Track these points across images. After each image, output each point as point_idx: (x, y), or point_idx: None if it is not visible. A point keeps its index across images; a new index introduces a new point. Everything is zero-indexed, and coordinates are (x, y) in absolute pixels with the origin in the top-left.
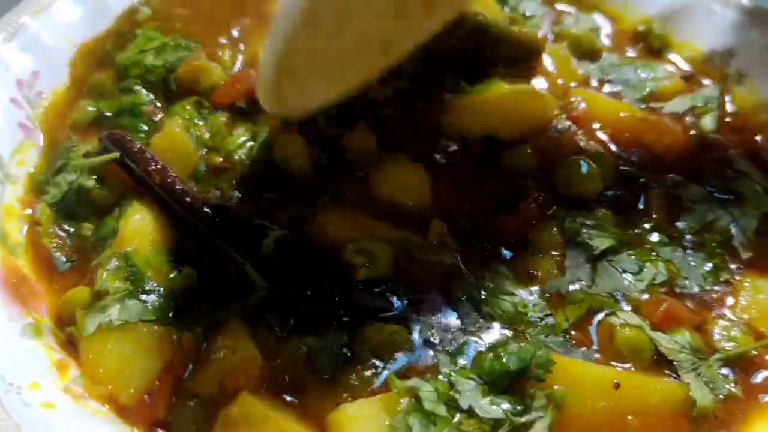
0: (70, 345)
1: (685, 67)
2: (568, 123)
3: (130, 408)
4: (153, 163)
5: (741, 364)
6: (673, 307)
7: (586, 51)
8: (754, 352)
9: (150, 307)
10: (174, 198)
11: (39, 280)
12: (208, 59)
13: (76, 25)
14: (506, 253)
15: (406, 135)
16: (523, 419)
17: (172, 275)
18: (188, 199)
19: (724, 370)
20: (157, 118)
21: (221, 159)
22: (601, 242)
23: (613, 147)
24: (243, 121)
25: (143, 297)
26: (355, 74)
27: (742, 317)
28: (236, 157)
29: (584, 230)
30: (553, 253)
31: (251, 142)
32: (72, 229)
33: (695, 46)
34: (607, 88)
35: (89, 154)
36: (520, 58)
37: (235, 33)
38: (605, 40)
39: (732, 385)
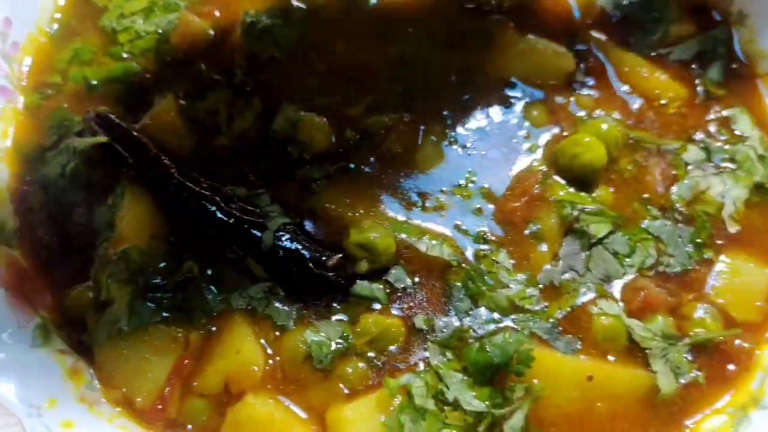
0: (81, 344)
1: None
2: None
3: (144, 410)
4: (146, 151)
5: (708, 351)
6: (650, 297)
7: None
8: (720, 339)
9: (157, 306)
10: (170, 191)
11: (39, 274)
12: (197, 18)
13: None
14: (506, 239)
15: None
16: (502, 411)
17: (174, 269)
18: (185, 194)
19: (691, 356)
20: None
21: (228, 143)
22: (598, 229)
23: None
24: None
25: (150, 295)
26: None
27: (717, 301)
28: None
29: (583, 217)
30: (551, 241)
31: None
32: (66, 217)
33: None
34: (620, 28)
35: (83, 133)
36: None
37: None
38: None
39: (696, 371)
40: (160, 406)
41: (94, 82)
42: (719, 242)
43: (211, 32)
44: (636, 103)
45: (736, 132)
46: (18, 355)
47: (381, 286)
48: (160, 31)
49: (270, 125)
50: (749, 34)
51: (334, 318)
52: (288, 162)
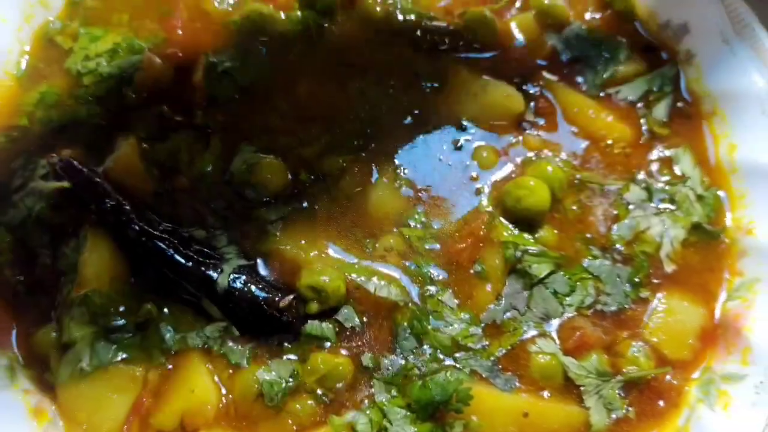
0: (46, 385)
1: (647, 37)
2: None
3: None
4: (107, 200)
5: (640, 387)
6: (584, 336)
7: (555, 21)
8: (652, 376)
9: (117, 346)
10: (129, 237)
11: (5, 313)
12: (159, 60)
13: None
14: (452, 279)
15: None
16: None
17: (134, 310)
18: (143, 239)
19: (624, 392)
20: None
21: (188, 184)
22: (540, 270)
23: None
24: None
25: (111, 336)
26: None
27: (650, 339)
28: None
29: (526, 258)
30: (495, 281)
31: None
32: (32, 259)
33: (655, 15)
34: (570, 68)
35: (47, 177)
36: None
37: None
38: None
39: (627, 407)
40: None
41: (59, 125)
42: (656, 281)
43: (172, 73)
44: (583, 144)
45: (677, 172)
46: None
47: (331, 326)
48: (123, 73)
49: (229, 166)
50: (695, 73)
51: (285, 357)
52: (245, 203)
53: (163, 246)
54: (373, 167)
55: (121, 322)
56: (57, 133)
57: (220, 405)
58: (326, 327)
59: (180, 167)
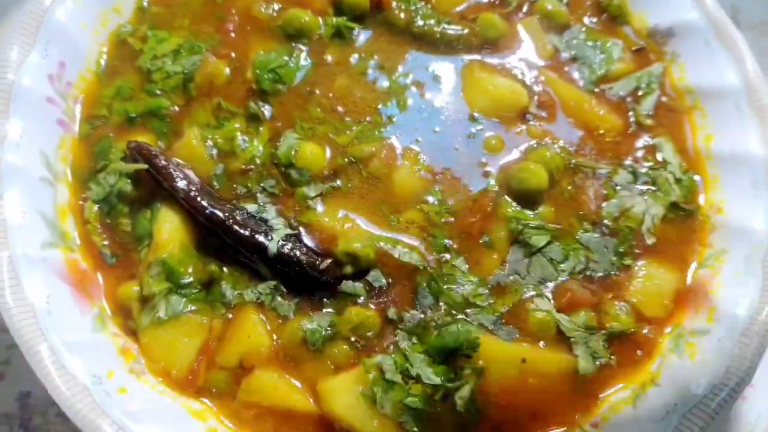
0: (129, 330)
1: (637, 40)
2: (536, 111)
3: (179, 379)
4: (177, 178)
5: (621, 339)
6: (575, 296)
7: (556, 24)
8: (631, 330)
9: (187, 299)
10: (196, 208)
11: (95, 272)
12: (216, 59)
13: (88, 8)
14: (463, 248)
15: None
16: (454, 384)
17: (200, 270)
18: (208, 211)
19: (607, 344)
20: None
21: (243, 166)
22: (539, 241)
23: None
24: (256, 124)
25: (182, 291)
26: None
27: (631, 300)
28: (257, 161)
29: (527, 231)
30: (500, 249)
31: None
32: (113, 226)
33: (645, 19)
34: (569, 66)
35: (126, 159)
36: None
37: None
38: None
39: (610, 356)
40: (190, 377)
41: (133, 115)
42: (637, 251)
43: (228, 71)
44: (578, 133)
45: (660, 158)
46: (82, 337)
47: (362, 285)
48: (186, 71)
49: (276, 151)
50: (679, 72)
51: (324, 310)
52: (290, 182)
53: (223, 217)
54: (398, 153)
55: (189, 280)
56: (131, 122)
57: (272, 349)
58: (358, 286)
59: (235, 151)
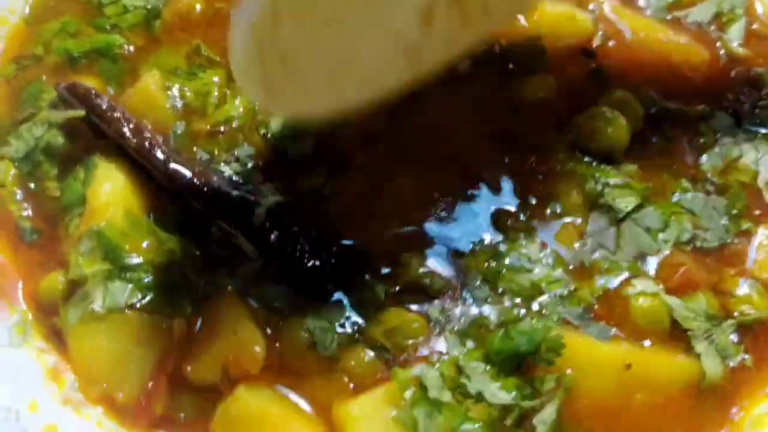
0: (55, 336)
1: None
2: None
3: (127, 406)
4: (125, 123)
5: (755, 331)
6: (690, 272)
7: None
8: None
9: (134, 287)
10: (153, 164)
11: (7, 259)
12: None
13: None
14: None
15: None
16: (531, 403)
17: (155, 248)
18: (170, 166)
19: (737, 337)
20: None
21: (208, 127)
22: (626, 203)
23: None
24: None
25: (126, 275)
26: (367, 80)
27: (761, 276)
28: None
29: (607, 190)
30: (575, 217)
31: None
32: (37, 191)
33: None
34: None
35: (58, 105)
36: None
37: None
38: None
39: (743, 354)
40: (143, 402)
41: (76, 55)
42: (757, 212)
43: (203, 8)
44: (655, 69)
45: (764, 93)
46: None
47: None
48: (149, 5)
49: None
50: None
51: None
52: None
53: (191, 173)
54: None
55: (138, 260)
56: (73, 63)
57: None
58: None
59: (206, 110)
